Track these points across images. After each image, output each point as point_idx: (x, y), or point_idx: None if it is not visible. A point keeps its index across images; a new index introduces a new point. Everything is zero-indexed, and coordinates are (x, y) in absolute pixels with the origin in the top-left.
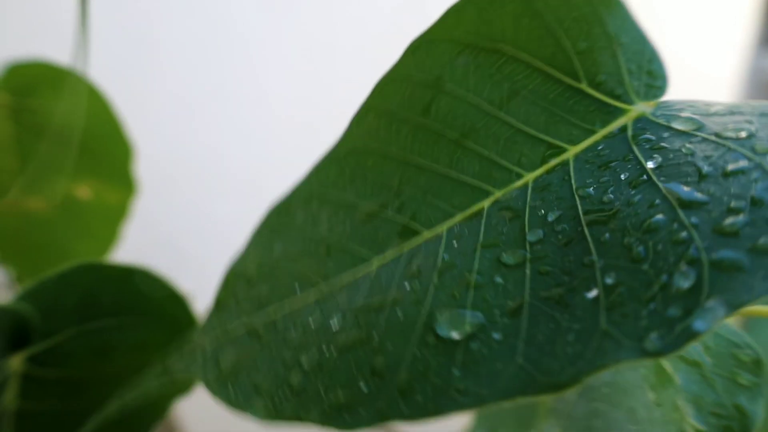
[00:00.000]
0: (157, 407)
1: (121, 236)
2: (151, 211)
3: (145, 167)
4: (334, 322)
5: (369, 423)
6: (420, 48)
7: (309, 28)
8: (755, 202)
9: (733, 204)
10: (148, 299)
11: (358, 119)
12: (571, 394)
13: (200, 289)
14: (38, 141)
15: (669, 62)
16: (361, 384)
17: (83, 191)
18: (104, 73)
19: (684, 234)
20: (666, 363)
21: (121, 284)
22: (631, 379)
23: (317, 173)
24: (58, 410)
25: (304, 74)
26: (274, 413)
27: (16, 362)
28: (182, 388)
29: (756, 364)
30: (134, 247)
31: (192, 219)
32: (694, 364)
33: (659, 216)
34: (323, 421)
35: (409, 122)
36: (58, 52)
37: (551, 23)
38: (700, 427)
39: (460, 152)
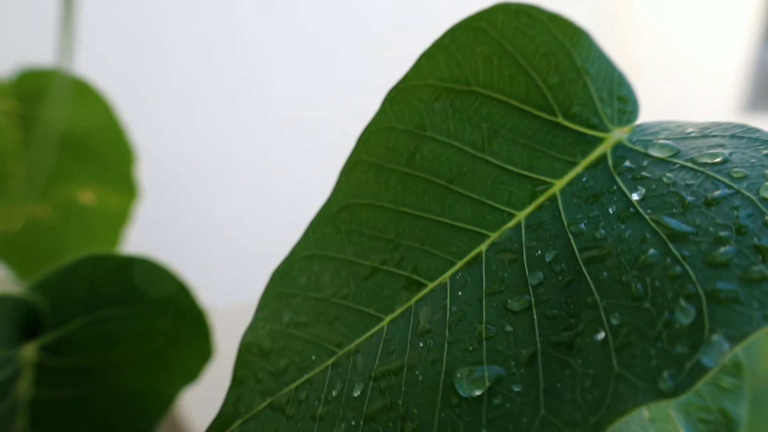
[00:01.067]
0: (164, 397)
1: (124, 239)
2: (157, 210)
3: (150, 166)
4: (357, 392)
5: None
6: (397, 97)
7: (312, 27)
8: (740, 231)
9: (720, 234)
10: (152, 288)
11: (347, 173)
12: None
13: (205, 285)
14: (45, 147)
15: (677, 56)
16: None
17: (87, 196)
18: (110, 73)
19: (678, 268)
20: None
21: (126, 274)
22: None
23: (314, 231)
24: (70, 399)
25: (307, 73)
26: None
27: (29, 351)
28: (189, 378)
29: (736, 368)
30: (140, 244)
31: (197, 217)
32: None
33: (652, 250)
34: None
35: (396, 172)
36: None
37: (520, 61)
38: None
39: (450, 197)
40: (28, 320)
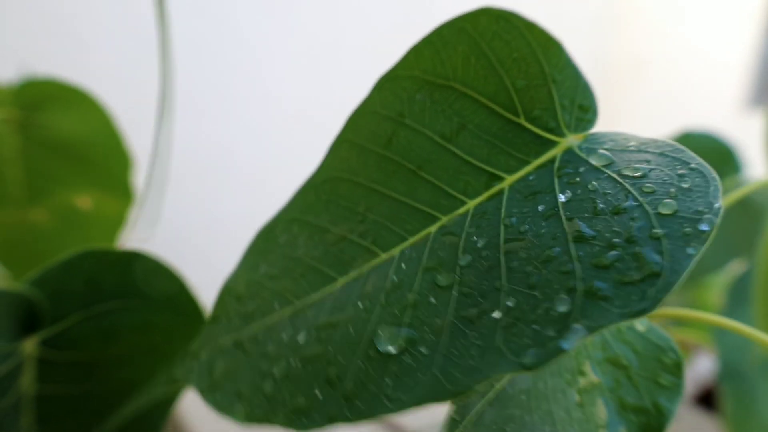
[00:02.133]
0: (168, 393)
1: (120, 243)
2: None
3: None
4: (302, 337)
5: (320, 425)
6: (384, 85)
7: (314, 25)
8: (629, 239)
9: (613, 240)
10: (149, 281)
11: (334, 149)
12: (481, 404)
13: (208, 283)
14: (44, 154)
15: (682, 50)
16: (317, 391)
17: (84, 201)
18: (112, 72)
19: (570, 265)
20: (595, 367)
21: (123, 268)
22: (552, 385)
23: (298, 198)
24: (74, 394)
25: (310, 72)
26: (251, 416)
27: (29, 346)
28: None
29: (677, 367)
30: (144, 242)
31: (200, 215)
32: (623, 368)
33: (556, 248)
34: (286, 424)
35: (374, 153)
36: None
37: (494, 63)
38: (618, 423)
39: (416, 181)
40: (26, 315)
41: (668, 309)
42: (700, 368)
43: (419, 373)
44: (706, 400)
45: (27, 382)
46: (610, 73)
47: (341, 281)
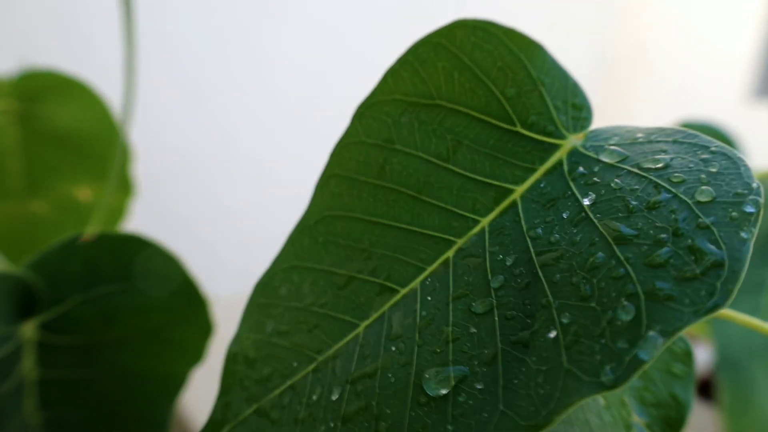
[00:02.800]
0: (173, 379)
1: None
2: (167, 200)
3: (160, 158)
4: (336, 395)
5: None
6: (365, 112)
7: (315, 20)
8: (676, 233)
9: (659, 236)
10: (147, 264)
11: (321, 186)
12: None
13: (213, 273)
14: (44, 146)
15: (688, 41)
16: None
17: (84, 193)
18: (113, 65)
19: (621, 270)
20: None
21: (120, 251)
22: None
23: (292, 243)
24: (76, 379)
25: (311, 65)
26: None
27: (29, 330)
28: (193, 357)
29: (687, 355)
30: (150, 234)
31: (205, 207)
32: None
33: (600, 254)
34: None
35: (367, 184)
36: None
37: (479, 75)
38: (643, 420)
39: (419, 207)
40: (24, 299)
41: None
42: (697, 358)
43: (484, 412)
44: (704, 390)
45: (28, 366)
46: (615, 63)
47: (363, 326)
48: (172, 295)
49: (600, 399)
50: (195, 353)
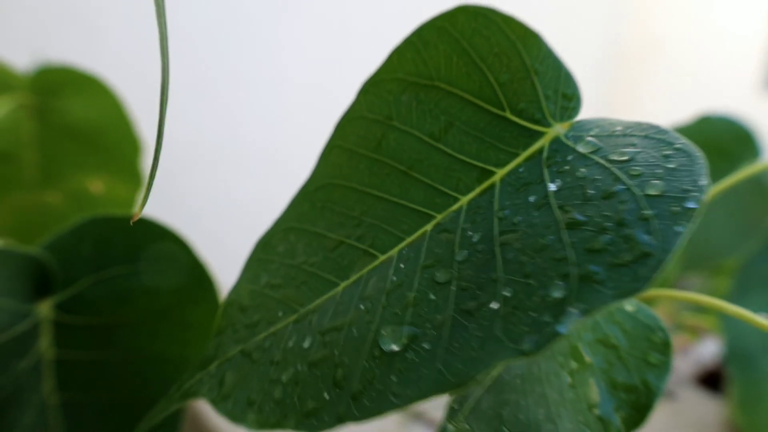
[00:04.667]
0: (186, 362)
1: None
2: (178, 192)
3: (170, 151)
4: (307, 343)
5: (330, 426)
6: (369, 89)
7: (328, 12)
8: (620, 222)
9: (604, 224)
10: (155, 245)
11: (324, 156)
12: (478, 391)
13: (222, 266)
14: (59, 139)
15: (706, 29)
16: (325, 394)
17: (96, 185)
18: (126, 59)
19: (563, 252)
20: (586, 348)
21: (129, 233)
22: (545, 368)
23: (293, 208)
24: (92, 360)
25: (321, 58)
26: (262, 423)
27: (45, 309)
28: (205, 339)
29: (665, 345)
30: None
31: (215, 199)
32: (613, 348)
33: (550, 236)
34: (297, 427)
35: (365, 157)
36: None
37: (476, 60)
38: (609, 401)
39: (408, 182)
40: (39, 278)
41: (674, 291)
42: (706, 350)
43: (423, 368)
44: (711, 382)
45: (45, 344)
46: (627, 53)
47: (342, 285)
48: (181, 276)
49: (567, 378)
50: (206, 334)
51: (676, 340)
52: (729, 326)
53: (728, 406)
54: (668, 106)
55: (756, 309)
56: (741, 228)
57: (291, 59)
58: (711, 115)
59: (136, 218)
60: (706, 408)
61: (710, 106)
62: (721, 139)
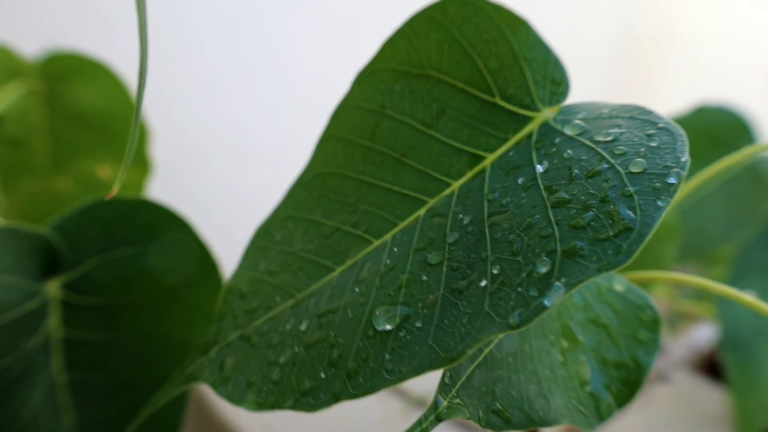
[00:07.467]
0: (192, 346)
1: None
2: (185, 184)
3: (177, 141)
4: (304, 326)
5: (327, 404)
6: (364, 79)
7: (336, 7)
8: (603, 200)
9: (588, 201)
10: (160, 228)
11: (321, 146)
12: (471, 368)
13: (230, 257)
14: (68, 125)
15: (720, 18)
16: (321, 373)
17: (104, 171)
18: (135, 47)
19: (550, 229)
20: (577, 328)
21: (135, 216)
22: (537, 346)
23: (290, 196)
24: (99, 341)
25: (329, 50)
26: (261, 404)
27: (53, 288)
28: (209, 323)
29: (654, 323)
30: None
31: (222, 190)
32: (603, 326)
33: (537, 215)
34: (295, 407)
35: (360, 146)
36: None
37: (466, 47)
38: (600, 378)
39: (401, 169)
40: (48, 257)
41: (671, 273)
42: (704, 336)
43: (415, 345)
44: (711, 368)
45: (54, 323)
46: (641, 41)
47: (338, 270)
48: (186, 259)
49: (558, 356)
50: (211, 317)
51: (677, 329)
52: (724, 312)
53: (727, 393)
54: (682, 93)
55: (755, 294)
56: (737, 216)
57: (302, 53)
58: (707, 106)
59: (113, 193)
60: (707, 395)
61: (725, 93)
62: (717, 128)
